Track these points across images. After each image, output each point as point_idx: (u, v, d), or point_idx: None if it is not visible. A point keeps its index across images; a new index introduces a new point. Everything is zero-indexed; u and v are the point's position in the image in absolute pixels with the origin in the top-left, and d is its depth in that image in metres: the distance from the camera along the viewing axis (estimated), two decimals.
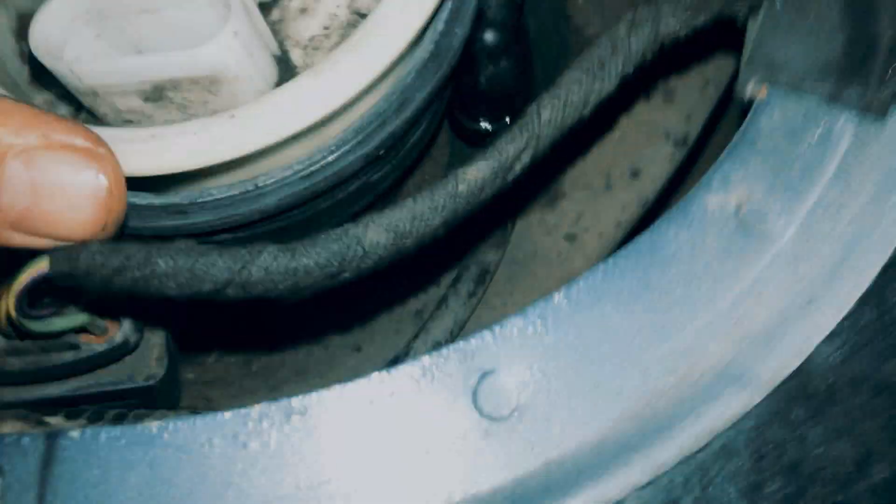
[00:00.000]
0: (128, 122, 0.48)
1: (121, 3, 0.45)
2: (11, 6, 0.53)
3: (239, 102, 0.45)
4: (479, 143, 0.64)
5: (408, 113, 0.47)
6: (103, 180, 0.38)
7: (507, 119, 0.61)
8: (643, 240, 0.41)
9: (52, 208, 0.38)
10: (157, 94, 0.45)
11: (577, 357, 0.39)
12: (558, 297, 0.40)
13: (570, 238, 0.74)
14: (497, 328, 0.40)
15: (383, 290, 0.68)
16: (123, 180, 0.39)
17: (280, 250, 0.36)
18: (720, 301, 0.41)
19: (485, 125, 0.61)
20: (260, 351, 0.71)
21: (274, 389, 0.69)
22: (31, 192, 0.37)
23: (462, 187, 0.39)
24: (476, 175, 0.40)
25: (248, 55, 0.43)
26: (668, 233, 0.41)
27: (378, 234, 0.37)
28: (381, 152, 0.47)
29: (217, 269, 0.35)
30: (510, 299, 0.70)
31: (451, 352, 0.39)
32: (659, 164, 0.74)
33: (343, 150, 0.46)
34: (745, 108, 0.46)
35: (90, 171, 0.38)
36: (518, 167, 0.42)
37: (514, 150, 0.41)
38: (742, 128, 0.44)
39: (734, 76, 0.69)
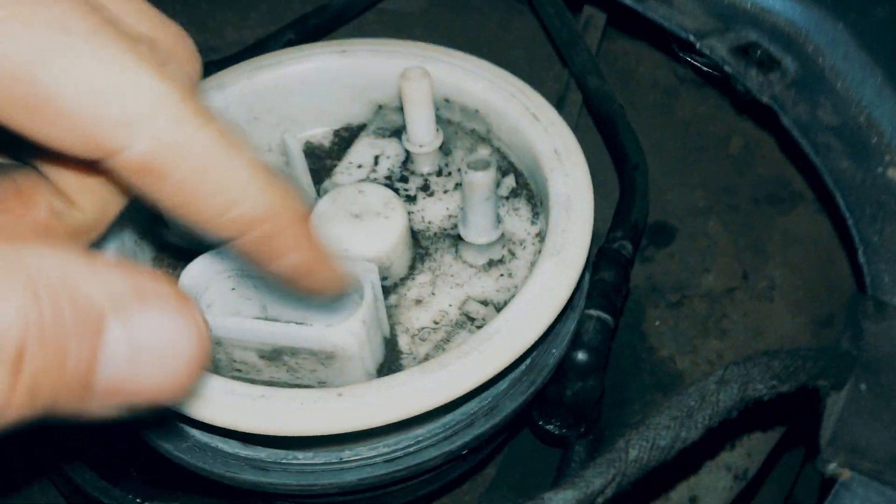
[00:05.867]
0: (236, 372, 0.51)
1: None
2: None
3: (345, 376, 0.49)
4: (546, 440, 0.65)
5: (496, 419, 0.49)
6: (196, 341, 0.32)
7: (582, 428, 0.63)
8: None
9: (145, 374, 0.31)
10: (274, 354, 0.48)
11: None
12: None
13: None
14: None
15: None
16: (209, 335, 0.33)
17: None
18: None
19: (555, 429, 0.62)
20: None
21: None
22: (128, 357, 0.31)
23: None
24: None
25: (367, 340, 0.47)
26: None
27: None
28: (465, 452, 0.49)
29: None
30: None
31: None
32: (717, 495, 0.74)
33: (429, 442, 0.49)
34: (825, 483, 0.47)
35: (187, 331, 0.32)
36: (601, 500, 0.43)
37: (600, 483, 0.43)
38: None
39: (796, 419, 0.71)
